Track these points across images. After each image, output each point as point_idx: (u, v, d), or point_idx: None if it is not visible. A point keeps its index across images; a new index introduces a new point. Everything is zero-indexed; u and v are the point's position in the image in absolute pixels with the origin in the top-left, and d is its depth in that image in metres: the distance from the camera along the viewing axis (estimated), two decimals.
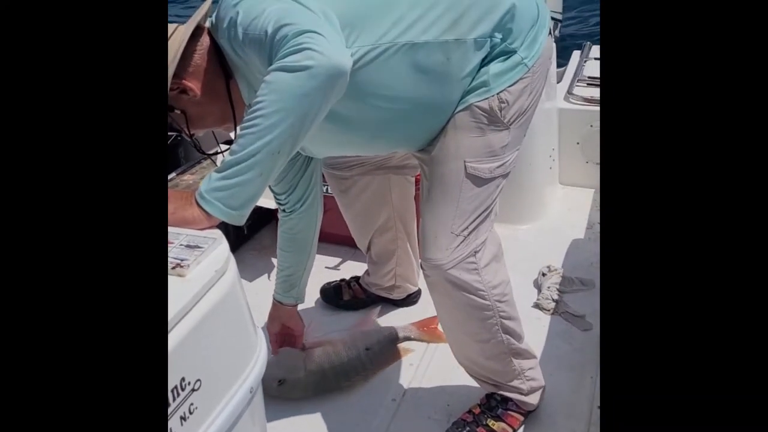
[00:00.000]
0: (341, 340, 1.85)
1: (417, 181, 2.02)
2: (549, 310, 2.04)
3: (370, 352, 1.84)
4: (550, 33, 1.41)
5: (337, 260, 2.36)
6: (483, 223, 1.41)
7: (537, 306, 2.06)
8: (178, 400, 0.84)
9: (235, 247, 2.38)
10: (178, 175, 2.45)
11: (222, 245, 0.96)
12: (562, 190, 2.77)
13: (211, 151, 2.49)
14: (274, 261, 2.32)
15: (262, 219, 2.52)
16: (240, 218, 1.09)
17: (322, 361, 1.79)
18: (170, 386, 0.82)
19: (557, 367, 1.81)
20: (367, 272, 2.06)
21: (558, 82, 2.82)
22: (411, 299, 2.08)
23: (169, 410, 0.82)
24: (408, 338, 1.95)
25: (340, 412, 1.74)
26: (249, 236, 2.47)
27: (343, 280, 2.15)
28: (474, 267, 1.40)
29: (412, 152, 1.49)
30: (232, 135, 1.68)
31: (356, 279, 2.13)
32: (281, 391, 1.72)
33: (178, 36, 1.22)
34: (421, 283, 2.07)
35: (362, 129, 1.35)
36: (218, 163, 2.10)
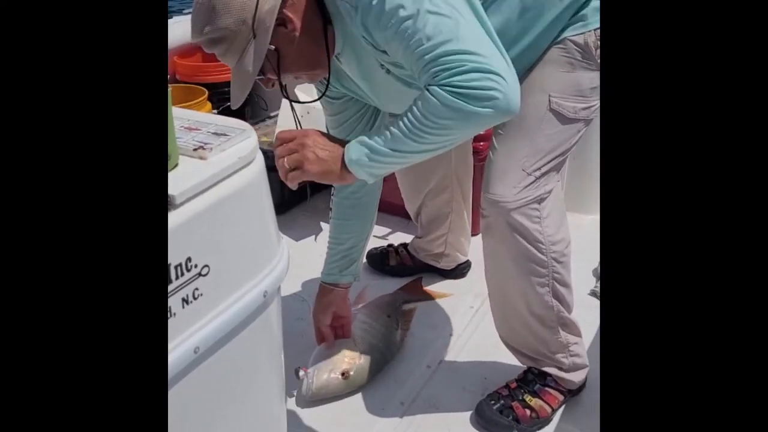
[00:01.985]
0: (364, 313, 1.74)
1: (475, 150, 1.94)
2: None
3: (392, 319, 1.73)
4: None
5: (387, 230, 2.28)
6: (555, 168, 1.32)
7: (593, 294, 1.94)
8: (182, 279, 0.79)
9: (289, 207, 2.38)
10: None
11: (251, 138, 0.91)
12: None
13: (275, 112, 2.48)
14: (325, 225, 2.28)
15: (318, 183, 2.47)
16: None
17: (368, 337, 1.66)
18: (174, 263, 0.78)
19: None
20: (416, 236, 1.98)
21: None
22: (460, 270, 1.98)
23: (170, 288, 0.78)
24: (408, 301, 1.85)
25: None
26: (303, 198, 2.43)
27: (390, 245, 2.07)
28: (537, 215, 1.30)
29: None
30: (299, 95, 1.53)
31: (404, 246, 2.05)
32: (349, 384, 1.57)
33: None
34: (471, 255, 1.98)
35: None
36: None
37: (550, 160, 1.30)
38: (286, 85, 1.28)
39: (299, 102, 1.50)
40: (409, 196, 1.89)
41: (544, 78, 1.28)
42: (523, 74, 1.29)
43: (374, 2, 1.05)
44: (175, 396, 0.80)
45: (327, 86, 1.29)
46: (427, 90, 1.03)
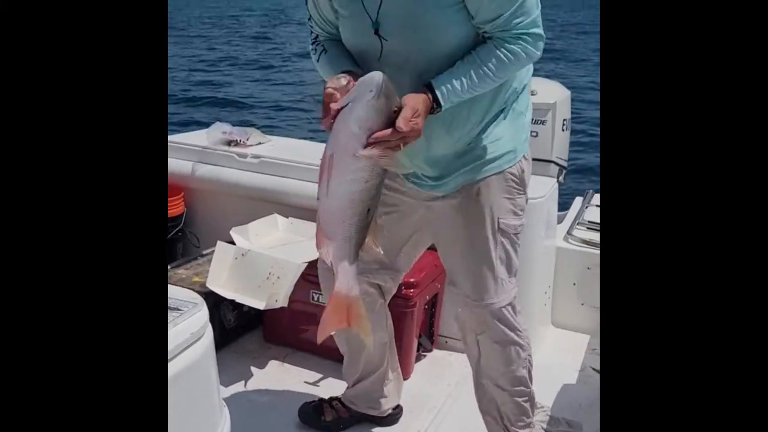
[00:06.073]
0: None
1: None
2: None
3: None
4: None
5: (319, 375, 2.24)
6: (513, 276, 1.59)
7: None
8: None
9: (218, 348, 2.33)
10: (172, 268, 2.43)
11: (202, 311, 0.94)
12: (554, 332, 2.71)
13: (208, 250, 2.49)
14: (255, 369, 2.25)
15: (250, 322, 2.47)
16: None
17: None
18: None
19: None
20: (349, 386, 1.96)
21: (558, 224, 2.86)
22: (393, 417, 1.95)
23: None
24: None
25: None
26: (233, 339, 2.40)
27: (322, 399, 1.98)
28: (513, 312, 1.58)
29: (442, 192, 1.55)
30: None
31: (337, 399, 1.99)
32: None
33: None
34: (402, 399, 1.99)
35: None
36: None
37: (510, 268, 1.58)
38: None
39: None
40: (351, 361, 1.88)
41: (492, 205, 1.54)
42: (468, 192, 1.52)
43: None
44: None
45: None
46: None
